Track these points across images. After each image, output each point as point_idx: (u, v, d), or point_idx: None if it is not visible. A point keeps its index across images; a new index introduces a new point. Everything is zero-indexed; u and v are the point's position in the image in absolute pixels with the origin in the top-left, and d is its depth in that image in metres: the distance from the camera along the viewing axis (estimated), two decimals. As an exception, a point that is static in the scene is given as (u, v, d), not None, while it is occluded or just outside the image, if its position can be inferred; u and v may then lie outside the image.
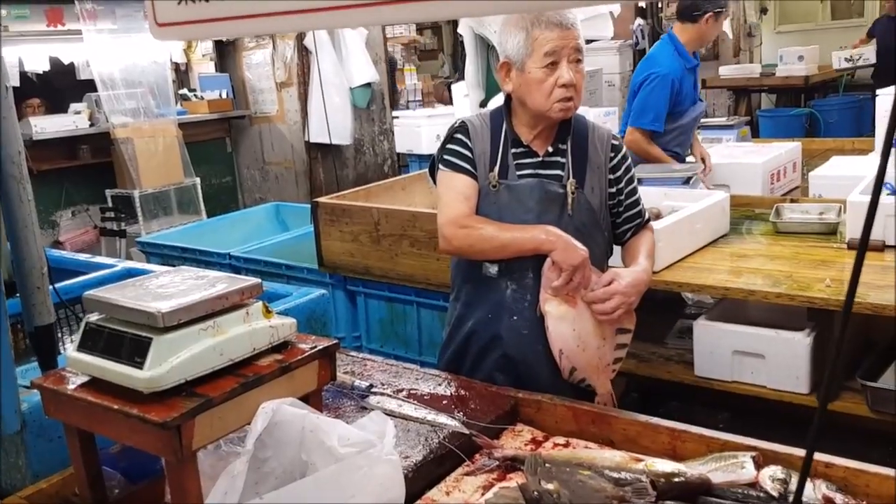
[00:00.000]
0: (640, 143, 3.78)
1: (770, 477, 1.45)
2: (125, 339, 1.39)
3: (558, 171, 2.06)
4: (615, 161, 2.11)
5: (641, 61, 4.08)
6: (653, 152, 3.81)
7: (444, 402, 1.86)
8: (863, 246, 0.74)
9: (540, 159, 2.07)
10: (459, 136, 2.09)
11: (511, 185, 2.04)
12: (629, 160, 2.16)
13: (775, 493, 1.41)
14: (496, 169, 2.04)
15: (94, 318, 1.48)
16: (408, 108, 8.52)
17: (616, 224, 2.17)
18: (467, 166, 2.06)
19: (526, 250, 1.98)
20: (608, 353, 2.05)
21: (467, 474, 1.61)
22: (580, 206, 2.04)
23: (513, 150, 2.06)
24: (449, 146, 2.09)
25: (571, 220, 2.03)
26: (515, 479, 1.55)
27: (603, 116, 5.21)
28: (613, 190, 2.12)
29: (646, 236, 2.21)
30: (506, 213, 2.03)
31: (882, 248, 2.73)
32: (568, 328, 1.98)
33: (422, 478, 1.58)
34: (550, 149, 2.07)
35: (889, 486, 1.41)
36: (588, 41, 7.00)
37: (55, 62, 6.66)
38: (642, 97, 3.82)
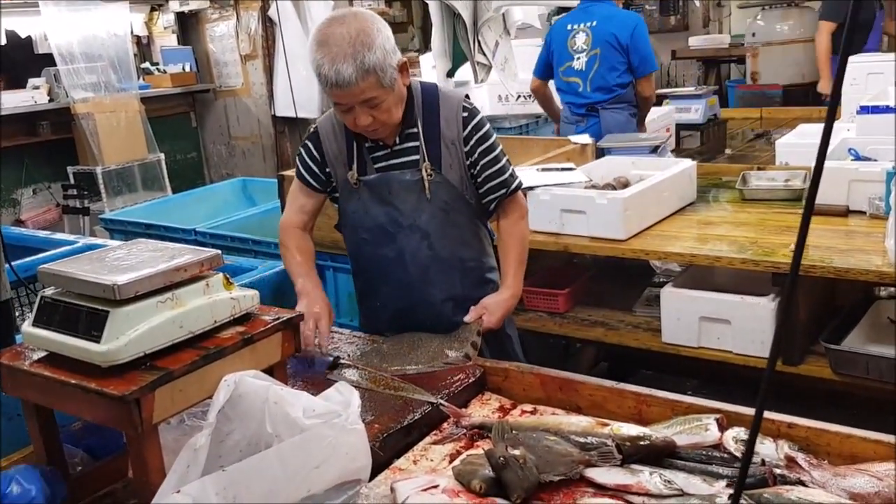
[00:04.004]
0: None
1: (733, 438, 1.46)
2: (81, 312, 1.36)
3: (414, 157, 2.03)
4: (465, 132, 2.04)
5: (601, 20, 4.13)
6: None
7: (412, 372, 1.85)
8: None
9: (390, 149, 2.04)
10: (308, 143, 2.13)
11: (367, 181, 2.05)
12: (483, 129, 2.06)
13: (738, 454, 1.42)
14: (354, 166, 2.05)
15: (49, 291, 1.44)
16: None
17: (480, 195, 2.11)
18: (307, 176, 2.12)
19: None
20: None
21: (435, 443, 1.61)
22: (439, 188, 2.03)
23: (366, 145, 2.05)
24: (299, 153, 2.13)
25: (430, 203, 2.03)
26: (483, 447, 1.54)
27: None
28: (468, 162, 2.06)
29: (515, 232, 2.13)
30: (370, 209, 2.06)
31: (845, 213, 2.76)
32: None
33: (389, 447, 1.57)
34: (399, 137, 2.03)
35: (850, 444, 1.43)
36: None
37: (12, 36, 6.47)
38: (646, 43, 4.06)
